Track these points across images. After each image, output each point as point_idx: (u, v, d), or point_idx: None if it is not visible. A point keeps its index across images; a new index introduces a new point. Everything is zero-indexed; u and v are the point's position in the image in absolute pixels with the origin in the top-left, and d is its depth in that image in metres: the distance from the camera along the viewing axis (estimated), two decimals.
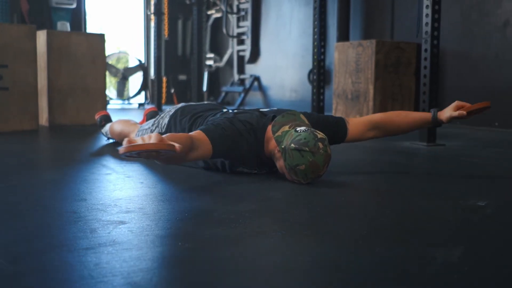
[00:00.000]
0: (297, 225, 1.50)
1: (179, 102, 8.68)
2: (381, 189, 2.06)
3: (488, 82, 4.72)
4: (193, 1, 6.88)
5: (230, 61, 8.44)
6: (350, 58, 5.46)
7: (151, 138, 1.55)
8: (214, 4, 8.44)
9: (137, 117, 5.37)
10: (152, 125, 2.66)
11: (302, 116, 2.19)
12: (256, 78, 7.80)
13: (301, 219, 1.56)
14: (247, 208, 1.66)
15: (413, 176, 2.47)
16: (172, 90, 8.70)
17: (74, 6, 7.54)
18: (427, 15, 3.34)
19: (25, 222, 1.49)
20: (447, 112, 2.27)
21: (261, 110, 2.32)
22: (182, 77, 8.93)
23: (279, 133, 2.09)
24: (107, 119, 3.40)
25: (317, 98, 4.68)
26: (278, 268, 1.16)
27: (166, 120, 2.59)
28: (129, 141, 1.53)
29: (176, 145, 1.58)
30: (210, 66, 8.69)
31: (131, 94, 8.63)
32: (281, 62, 7.37)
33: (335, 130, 2.32)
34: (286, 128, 2.09)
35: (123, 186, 2.03)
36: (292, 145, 1.99)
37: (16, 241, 1.31)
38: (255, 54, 7.85)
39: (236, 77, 8.16)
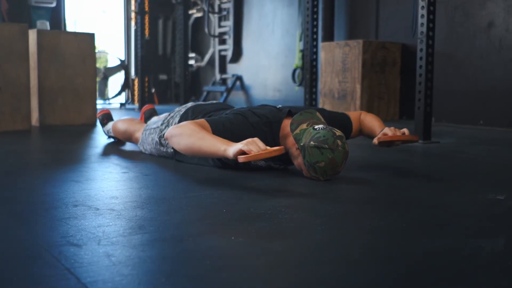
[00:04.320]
0: (336, 219, 1.55)
1: (159, 102, 8.65)
2: (397, 185, 2.13)
3: (472, 82, 4.86)
4: (179, 1, 6.86)
5: (211, 61, 8.45)
6: (337, 58, 5.54)
7: (260, 144, 1.88)
8: (195, 4, 8.43)
9: (119, 117, 5.34)
10: (161, 124, 2.68)
11: (318, 114, 2.24)
12: (239, 78, 7.83)
13: (337, 214, 1.61)
14: (280, 204, 1.71)
15: (422, 173, 2.54)
16: (153, 90, 8.66)
17: (53, 5, 7.45)
18: (422, 15, 3.43)
19: (68, 220, 1.50)
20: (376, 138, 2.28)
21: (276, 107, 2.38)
22: (163, 76, 8.90)
23: (297, 131, 2.14)
24: (109, 117, 3.40)
25: (310, 97, 4.74)
26: (336, 261, 1.20)
27: (176, 120, 2.61)
28: (247, 151, 1.85)
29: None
30: (191, 65, 8.68)
31: (112, 94, 8.56)
32: (264, 62, 7.42)
33: (343, 128, 2.37)
34: (304, 126, 2.14)
35: (147, 184, 2.05)
36: (312, 142, 2.04)
37: (72, 237, 1.32)
38: (237, 54, 7.88)
39: (218, 76, 8.17)
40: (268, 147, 1.89)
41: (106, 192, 1.89)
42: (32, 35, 4.51)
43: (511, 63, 4.55)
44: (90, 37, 4.82)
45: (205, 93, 8.32)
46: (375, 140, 2.26)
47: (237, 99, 7.80)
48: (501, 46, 4.62)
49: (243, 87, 7.82)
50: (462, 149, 3.24)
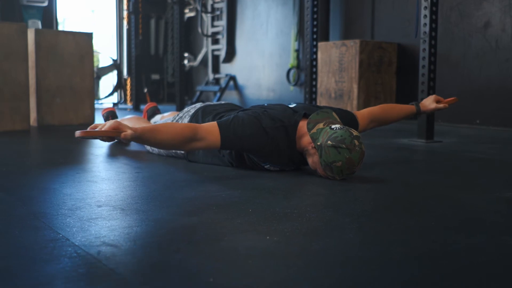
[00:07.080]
0: (363, 218, 1.55)
1: (152, 102, 8.62)
2: (411, 184, 2.14)
3: (468, 82, 4.91)
4: (174, 0, 6.86)
5: (204, 61, 8.44)
6: (333, 58, 5.57)
7: (106, 125, 1.86)
8: (188, 4, 8.42)
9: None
10: None
11: (334, 114, 2.25)
12: (232, 78, 7.83)
13: (363, 213, 1.61)
14: (304, 203, 1.71)
15: (432, 172, 2.56)
16: (145, 90, 8.63)
17: (45, 4, 7.39)
18: (425, 16, 3.45)
19: (97, 220, 1.49)
20: (431, 104, 2.76)
21: (290, 106, 2.37)
22: (155, 76, 8.87)
23: (314, 130, 2.14)
24: (113, 115, 3.39)
25: (310, 97, 4.76)
26: (377, 259, 1.21)
27: (186, 120, 2.61)
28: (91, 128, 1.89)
29: (124, 132, 1.86)
30: (183, 65, 8.67)
31: (103, 94, 8.52)
32: (257, 62, 7.42)
33: (349, 125, 2.40)
34: (321, 125, 2.15)
35: (165, 184, 2.04)
36: (329, 142, 2.04)
37: (106, 238, 1.31)
38: (230, 54, 7.88)
39: (211, 76, 8.16)
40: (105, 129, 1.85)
41: (125, 192, 1.89)
42: (30, 34, 4.47)
43: (507, 63, 4.60)
44: (88, 36, 4.79)
45: (198, 93, 8.30)
46: (439, 105, 2.74)
47: (231, 99, 7.80)
48: (497, 46, 4.67)
49: (237, 87, 7.82)
50: (466, 148, 3.27)
